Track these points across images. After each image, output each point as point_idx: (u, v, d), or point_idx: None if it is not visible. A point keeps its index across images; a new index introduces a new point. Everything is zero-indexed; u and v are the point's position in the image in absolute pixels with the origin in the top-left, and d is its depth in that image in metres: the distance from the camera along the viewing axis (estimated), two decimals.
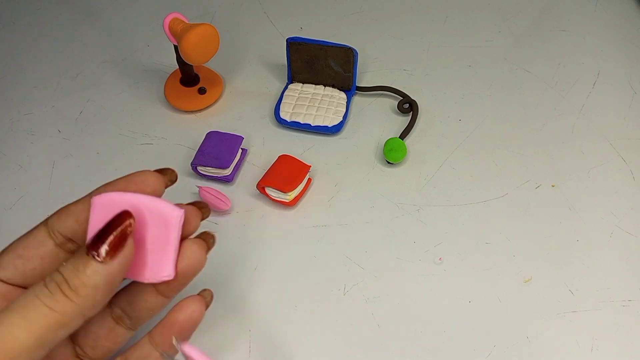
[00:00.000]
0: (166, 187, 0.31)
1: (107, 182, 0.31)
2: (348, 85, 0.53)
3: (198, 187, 0.47)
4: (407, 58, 0.58)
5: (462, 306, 0.42)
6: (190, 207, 0.30)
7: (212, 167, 0.47)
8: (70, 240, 0.30)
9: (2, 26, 0.61)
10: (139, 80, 0.56)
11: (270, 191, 0.46)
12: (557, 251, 0.44)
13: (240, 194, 0.48)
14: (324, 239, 0.45)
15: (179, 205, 0.29)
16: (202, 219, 0.31)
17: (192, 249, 0.29)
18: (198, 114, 0.54)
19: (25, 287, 0.29)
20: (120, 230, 0.26)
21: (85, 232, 0.29)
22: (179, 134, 0.52)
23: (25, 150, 0.51)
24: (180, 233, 0.29)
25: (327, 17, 0.61)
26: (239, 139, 0.49)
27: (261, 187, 0.47)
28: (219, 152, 0.47)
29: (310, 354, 0.40)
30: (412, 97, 0.53)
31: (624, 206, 0.47)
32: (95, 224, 0.28)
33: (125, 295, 0.32)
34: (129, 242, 0.26)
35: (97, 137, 0.52)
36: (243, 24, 0.61)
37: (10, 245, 0.30)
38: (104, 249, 0.25)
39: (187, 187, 0.48)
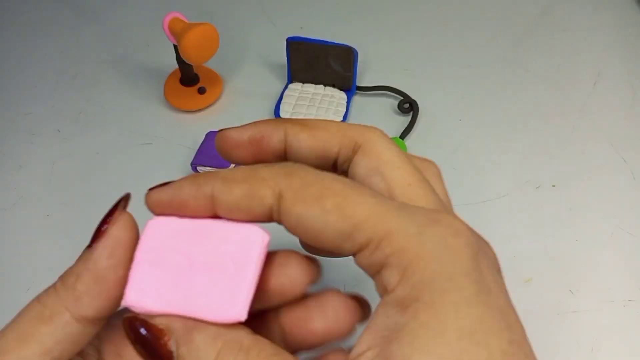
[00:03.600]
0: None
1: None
2: (348, 85, 0.53)
3: None
4: (407, 58, 0.57)
5: None
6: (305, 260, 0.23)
7: (212, 167, 0.47)
8: None
9: (2, 26, 0.61)
10: (139, 80, 0.56)
11: None
12: (557, 251, 0.44)
13: None
14: None
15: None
16: (312, 282, 0.24)
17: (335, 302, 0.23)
18: (198, 114, 0.53)
19: None
20: (109, 211, 0.23)
21: None
22: (179, 134, 0.52)
23: (25, 150, 0.51)
24: (260, 266, 0.22)
25: (327, 17, 0.61)
26: None
27: None
28: None
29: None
30: (412, 97, 0.53)
31: (624, 206, 0.47)
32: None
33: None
34: (120, 220, 0.22)
35: (97, 137, 0.52)
36: (243, 24, 0.61)
37: None
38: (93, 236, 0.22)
39: None
